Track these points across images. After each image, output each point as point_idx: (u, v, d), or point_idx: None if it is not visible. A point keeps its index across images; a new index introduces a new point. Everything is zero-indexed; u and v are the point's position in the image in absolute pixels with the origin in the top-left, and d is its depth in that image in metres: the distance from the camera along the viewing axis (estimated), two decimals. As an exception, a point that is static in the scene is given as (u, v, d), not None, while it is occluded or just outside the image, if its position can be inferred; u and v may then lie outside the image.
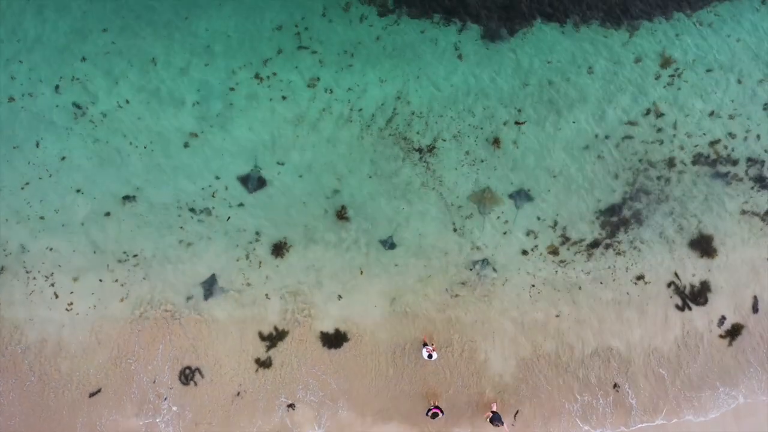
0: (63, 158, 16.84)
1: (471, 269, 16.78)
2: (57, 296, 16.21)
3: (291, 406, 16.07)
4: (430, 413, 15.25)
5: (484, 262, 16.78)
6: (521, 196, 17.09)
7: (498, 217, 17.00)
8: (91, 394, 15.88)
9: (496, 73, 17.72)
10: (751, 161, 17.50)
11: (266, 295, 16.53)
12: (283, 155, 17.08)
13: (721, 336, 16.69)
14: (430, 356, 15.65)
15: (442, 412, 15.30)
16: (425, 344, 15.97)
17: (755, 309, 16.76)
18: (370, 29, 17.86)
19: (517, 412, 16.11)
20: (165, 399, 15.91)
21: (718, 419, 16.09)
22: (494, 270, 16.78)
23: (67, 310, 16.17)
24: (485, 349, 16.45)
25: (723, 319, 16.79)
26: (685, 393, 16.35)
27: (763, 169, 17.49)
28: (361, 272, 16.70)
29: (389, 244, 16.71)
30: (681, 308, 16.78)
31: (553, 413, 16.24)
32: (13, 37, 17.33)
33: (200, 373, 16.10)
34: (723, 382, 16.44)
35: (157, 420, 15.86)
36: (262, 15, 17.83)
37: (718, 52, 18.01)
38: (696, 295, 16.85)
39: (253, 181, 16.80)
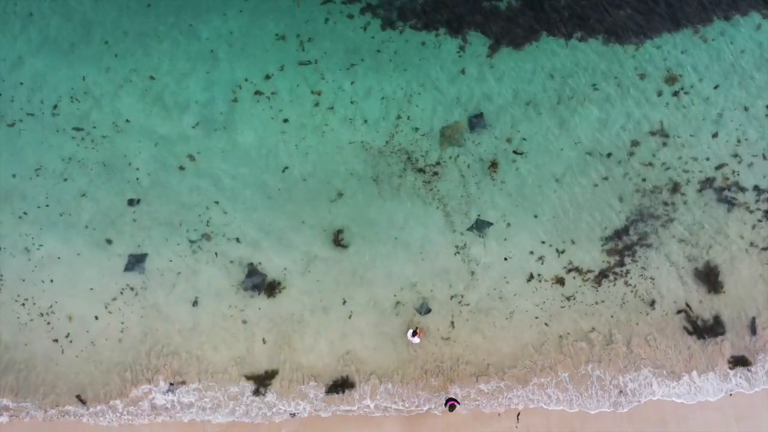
0: (65, 180, 16.91)
1: (471, 231, 16.63)
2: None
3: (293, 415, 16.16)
4: (447, 405, 14.84)
5: (479, 222, 16.67)
6: (479, 120, 17.15)
7: (504, 239, 16.78)
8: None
9: (499, 90, 17.55)
10: (758, 189, 17.04)
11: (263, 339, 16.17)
12: (282, 169, 17.04)
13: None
14: (414, 333, 15.37)
15: (458, 402, 15.06)
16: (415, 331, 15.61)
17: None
18: (372, 41, 17.76)
19: (519, 413, 16.31)
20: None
21: (719, 419, 16.21)
22: (490, 223, 16.60)
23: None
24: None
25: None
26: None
27: None
28: (350, 317, 16.38)
29: (425, 309, 16.32)
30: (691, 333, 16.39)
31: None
32: (12, 55, 17.38)
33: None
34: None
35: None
36: (265, 25, 17.71)
37: (723, 68, 17.69)
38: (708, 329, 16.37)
39: (258, 284, 16.37)
